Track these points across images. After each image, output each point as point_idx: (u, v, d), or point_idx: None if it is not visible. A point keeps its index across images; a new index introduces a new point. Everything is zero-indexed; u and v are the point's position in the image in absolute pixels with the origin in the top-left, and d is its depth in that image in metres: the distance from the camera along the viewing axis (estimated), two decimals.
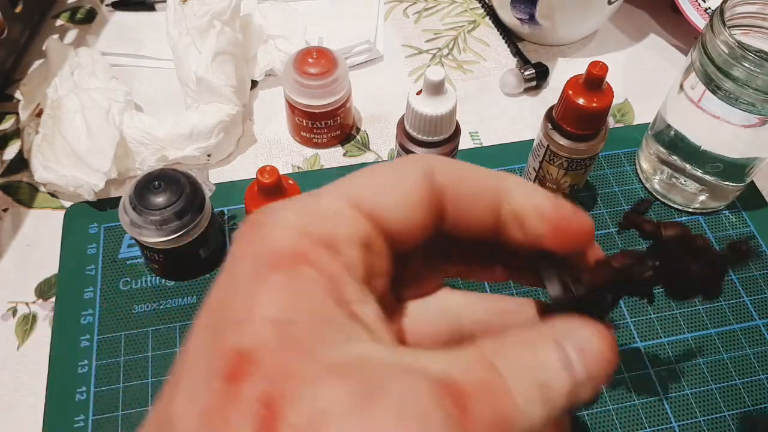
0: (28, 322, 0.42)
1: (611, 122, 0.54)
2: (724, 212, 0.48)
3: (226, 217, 0.47)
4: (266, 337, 0.15)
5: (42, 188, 0.49)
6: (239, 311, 0.15)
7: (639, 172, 0.50)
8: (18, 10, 0.55)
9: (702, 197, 0.47)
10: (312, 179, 0.49)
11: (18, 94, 0.53)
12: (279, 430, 0.13)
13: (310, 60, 0.47)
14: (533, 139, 0.48)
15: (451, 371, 0.14)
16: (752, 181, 0.49)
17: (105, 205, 0.47)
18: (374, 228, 0.18)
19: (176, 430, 0.14)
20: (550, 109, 0.42)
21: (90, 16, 0.61)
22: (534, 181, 0.45)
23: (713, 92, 0.40)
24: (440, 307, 0.22)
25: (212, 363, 0.15)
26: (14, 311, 0.43)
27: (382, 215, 0.18)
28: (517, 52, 0.58)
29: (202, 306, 0.17)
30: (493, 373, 0.15)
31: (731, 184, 0.45)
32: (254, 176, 0.39)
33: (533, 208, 0.19)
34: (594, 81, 0.37)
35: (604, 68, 0.37)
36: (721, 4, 0.39)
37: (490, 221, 0.20)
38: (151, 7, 0.61)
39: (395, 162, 0.19)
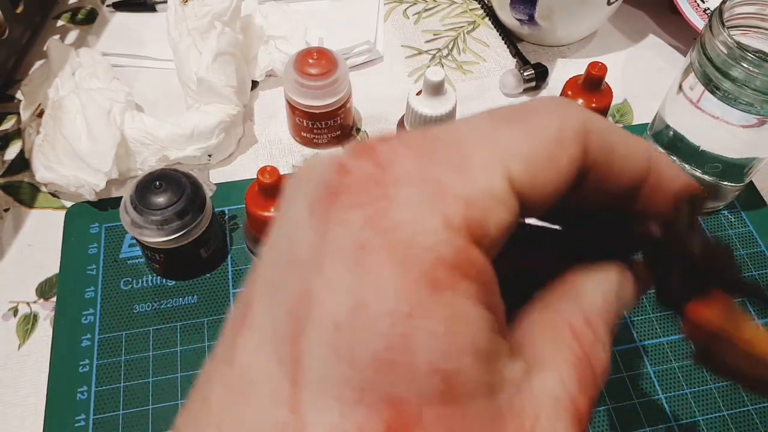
0: (29, 321, 0.42)
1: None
2: (723, 212, 0.48)
3: (226, 217, 0.47)
4: (432, 396, 0.13)
5: (43, 188, 0.49)
6: (395, 349, 0.13)
7: None
8: (19, 10, 0.55)
9: None
10: None
11: (19, 95, 0.53)
12: None
13: (310, 61, 0.47)
14: None
15: (569, 387, 0.16)
16: (751, 181, 0.50)
17: (106, 205, 0.47)
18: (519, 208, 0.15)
19: None
20: None
21: (91, 17, 0.61)
22: None
23: (712, 92, 0.40)
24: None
25: (362, 415, 0.13)
26: (15, 311, 0.43)
27: (530, 196, 0.15)
28: (516, 53, 0.58)
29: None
30: (594, 380, 0.16)
31: (730, 184, 0.46)
32: (255, 176, 0.39)
33: (674, 191, 0.18)
34: (593, 81, 0.38)
35: (603, 69, 0.37)
36: (720, 4, 0.39)
37: (623, 195, 0.17)
38: (151, 8, 0.61)
39: (546, 111, 0.16)
